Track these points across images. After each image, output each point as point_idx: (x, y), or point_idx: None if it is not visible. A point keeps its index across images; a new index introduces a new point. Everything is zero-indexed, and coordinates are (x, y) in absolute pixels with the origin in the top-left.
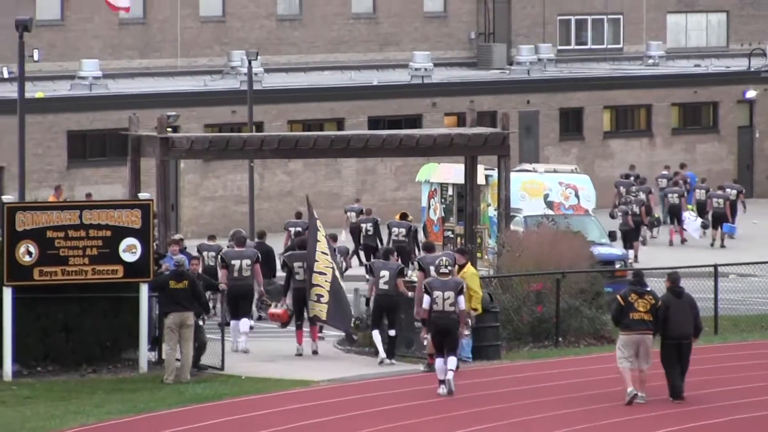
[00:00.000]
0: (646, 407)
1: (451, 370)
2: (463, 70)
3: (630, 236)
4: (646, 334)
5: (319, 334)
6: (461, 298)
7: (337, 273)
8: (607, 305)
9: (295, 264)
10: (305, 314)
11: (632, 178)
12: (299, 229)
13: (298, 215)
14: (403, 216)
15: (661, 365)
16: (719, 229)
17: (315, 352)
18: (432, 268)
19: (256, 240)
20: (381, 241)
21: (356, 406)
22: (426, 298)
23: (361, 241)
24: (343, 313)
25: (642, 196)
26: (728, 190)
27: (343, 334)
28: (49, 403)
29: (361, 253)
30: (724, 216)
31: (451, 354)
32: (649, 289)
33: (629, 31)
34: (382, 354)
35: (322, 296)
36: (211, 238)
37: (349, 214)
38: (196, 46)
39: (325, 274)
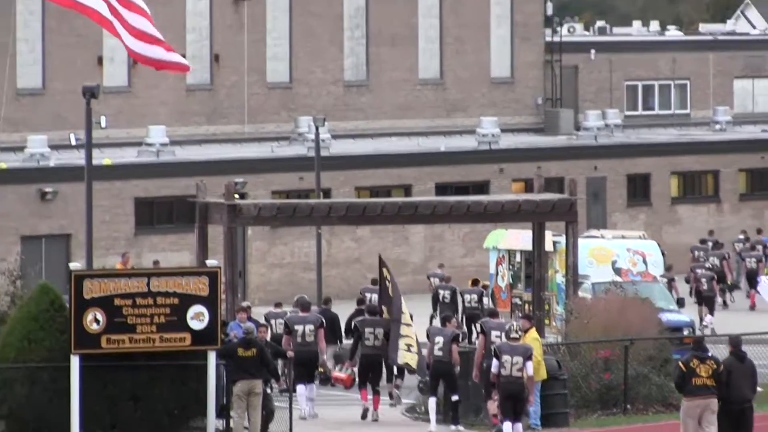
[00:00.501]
0: None
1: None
2: (530, 135)
3: (702, 301)
4: (710, 399)
5: (390, 401)
6: (529, 364)
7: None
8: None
9: (366, 330)
10: (369, 377)
11: (709, 244)
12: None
13: (374, 282)
14: (475, 282)
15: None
16: None
17: (375, 420)
18: (494, 333)
19: (322, 306)
20: (457, 309)
21: None
22: (495, 363)
23: (439, 309)
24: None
25: (715, 261)
26: None
27: (410, 401)
28: None
29: (436, 320)
30: None
31: (518, 420)
32: (710, 354)
33: (696, 97)
34: (433, 426)
35: (412, 346)
36: (278, 305)
37: (432, 279)
38: (263, 113)
39: (410, 326)
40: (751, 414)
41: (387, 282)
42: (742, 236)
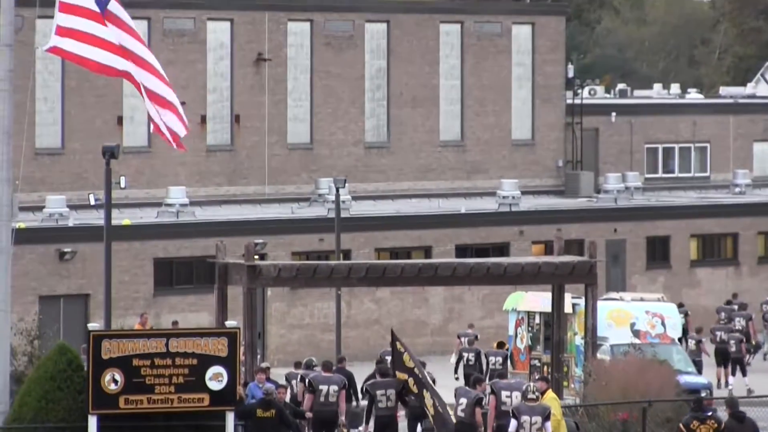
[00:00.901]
0: None
1: None
2: (550, 198)
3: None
4: None
5: None
6: (548, 424)
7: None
8: None
9: (378, 392)
10: None
11: (735, 306)
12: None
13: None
14: (500, 345)
15: None
16: None
17: None
18: (504, 393)
19: (337, 365)
20: (482, 371)
21: None
22: (513, 423)
23: (462, 371)
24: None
25: (741, 322)
26: None
27: None
28: None
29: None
30: None
31: None
32: (710, 414)
33: (716, 160)
34: None
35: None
36: (298, 365)
37: (461, 339)
38: (283, 173)
39: (424, 397)
40: None
41: (401, 352)
42: None
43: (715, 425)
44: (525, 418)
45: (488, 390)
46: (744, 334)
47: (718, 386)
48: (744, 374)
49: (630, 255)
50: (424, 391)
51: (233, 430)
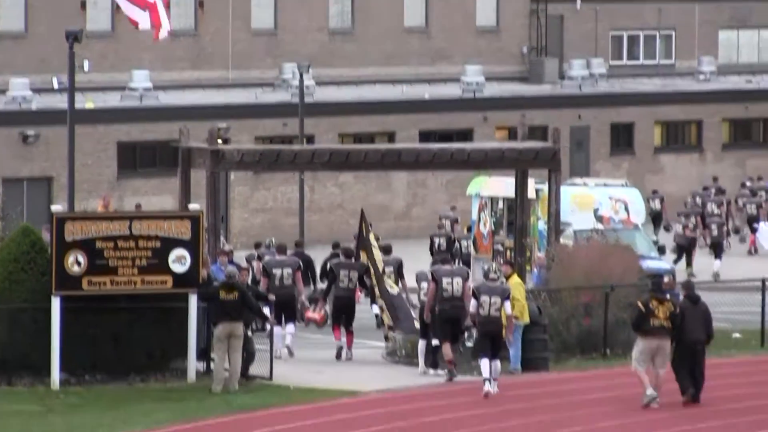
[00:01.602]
0: (697, 418)
1: (496, 371)
2: (514, 84)
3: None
4: (665, 340)
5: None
6: (507, 304)
7: (391, 283)
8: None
9: (341, 272)
10: (342, 319)
11: (712, 190)
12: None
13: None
14: (470, 229)
15: (673, 369)
16: None
17: (349, 359)
18: (445, 280)
19: (295, 249)
20: (453, 257)
21: (403, 417)
22: (473, 303)
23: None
24: (408, 319)
25: (714, 207)
26: None
27: (390, 344)
28: (96, 411)
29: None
30: None
31: (496, 357)
32: (668, 296)
33: (681, 47)
34: (421, 368)
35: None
36: (258, 246)
37: (443, 221)
38: (247, 59)
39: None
40: (702, 356)
41: (368, 232)
42: (749, 183)
43: (672, 307)
44: (485, 298)
45: (429, 276)
46: (701, 217)
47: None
48: (719, 258)
49: (594, 141)
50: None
51: (196, 311)
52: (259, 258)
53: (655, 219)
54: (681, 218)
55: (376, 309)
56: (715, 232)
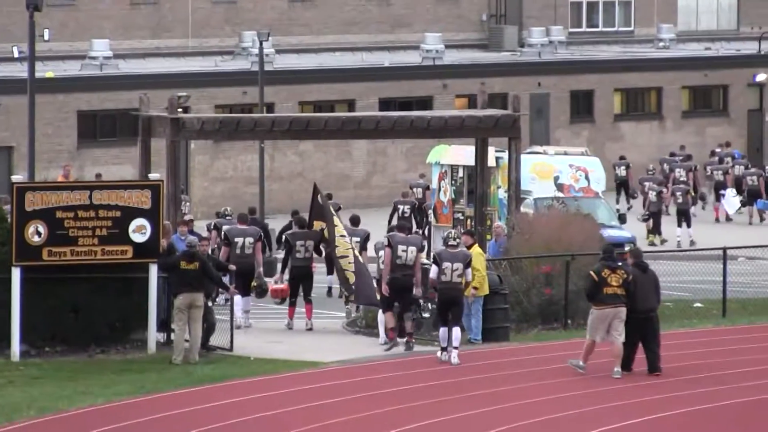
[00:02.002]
0: (659, 388)
1: (457, 338)
2: (474, 51)
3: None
4: (620, 308)
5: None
6: (468, 271)
7: (356, 253)
8: None
9: (297, 242)
10: (300, 292)
11: (678, 158)
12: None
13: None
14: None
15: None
16: (754, 205)
17: (310, 329)
18: (400, 248)
19: (250, 217)
20: (416, 223)
21: (364, 388)
22: (434, 269)
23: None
24: (370, 290)
25: (682, 173)
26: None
27: (351, 315)
28: (57, 383)
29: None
30: (758, 193)
31: (455, 325)
32: (620, 263)
33: (640, 14)
34: (381, 339)
35: (350, 279)
36: (219, 216)
37: (414, 189)
38: (207, 27)
39: (347, 256)
40: (656, 322)
41: (321, 204)
42: (719, 149)
43: (625, 275)
44: (446, 264)
45: (385, 242)
46: (687, 185)
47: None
48: (689, 225)
49: (554, 109)
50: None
51: (156, 281)
52: (216, 227)
53: (621, 186)
54: (652, 185)
55: (330, 280)
56: (680, 200)
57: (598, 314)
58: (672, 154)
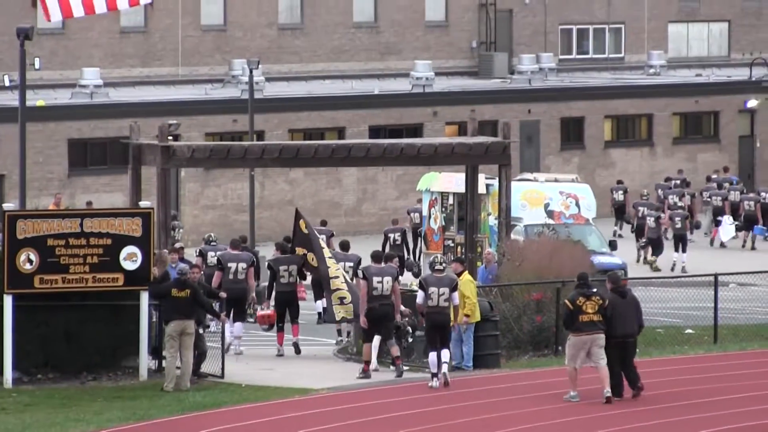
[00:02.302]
0: (650, 415)
1: (446, 362)
2: (464, 79)
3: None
4: (598, 334)
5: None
6: (455, 295)
7: (348, 279)
8: None
9: (281, 267)
10: (287, 317)
11: (674, 183)
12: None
13: (323, 223)
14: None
15: None
16: (751, 231)
17: (296, 345)
18: (375, 279)
19: (241, 246)
20: (408, 250)
21: (356, 415)
22: (420, 294)
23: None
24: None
25: (675, 199)
26: (763, 193)
27: (341, 342)
28: (49, 410)
29: None
30: (755, 218)
31: (444, 347)
32: (595, 290)
33: (630, 41)
34: (374, 364)
35: (345, 298)
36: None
37: (412, 215)
38: (197, 55)
39: (338, 277)
40: (633, 348)
41: (305, 233)
42: (715, 175)
43: (600, 301)
44: (432, 289)
45: (360, 275)
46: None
47: (638, 261)
48: (684, 251)
49: (544, 136)
50: (330, 280)
51: (147, 308)
52: (201, 254)
53: (619, 210)
54: (650, 212)
55: (319, 306)
56: (678, 225)
57: (575, 341)
58: (667, 179)
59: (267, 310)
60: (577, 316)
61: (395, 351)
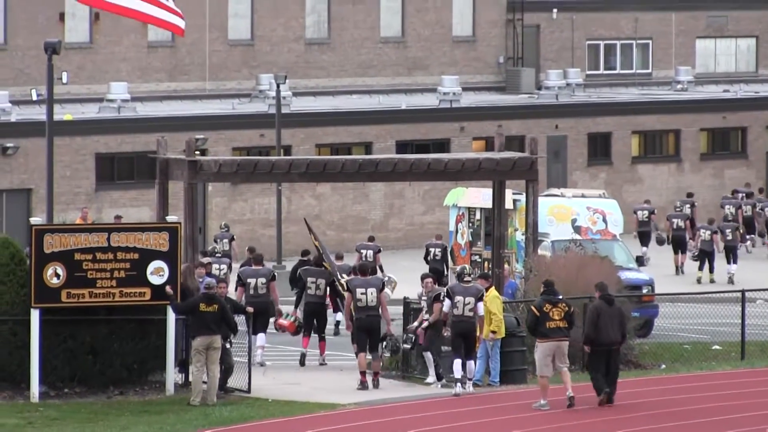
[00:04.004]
0: (677, 430)
1: (469, 379)
2: (491, 94)
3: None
4: (562, 341)
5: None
6: (480, 305)
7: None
8: (635, 330)
9: (309, 279)
10: (314, 325)
11: (740, 196)
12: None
13: (371, 239)
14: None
15: (588, 370)
16: None
17: (322, 364)
18: (359, 291)
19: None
20: (447, 266)
21: (380, 430)
22: (447, 303)
23: (429, 265)
24: None
25: (732, 210)
26: None
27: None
28: (76, 424)
29: None
30: None
31: (469, 358)
32: (561, 297)
33: (658, 56)
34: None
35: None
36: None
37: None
38: (224, 70)
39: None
40: (617, 356)
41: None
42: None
43: (566, 308)
44: (459, 298)
45: (345, 287)
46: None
47: (676, 273)
48: (735, 262)
49: (571, 151)
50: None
51: (174, 323)
52: (240, 279)
53: (642, 235)
54: (705, 226)
55: (339, 317)
56: (729, 236)
57: (541, 348)
58: (734, 192)
59: (288, 320)
60: (544, 323)
61: (376, 366)
